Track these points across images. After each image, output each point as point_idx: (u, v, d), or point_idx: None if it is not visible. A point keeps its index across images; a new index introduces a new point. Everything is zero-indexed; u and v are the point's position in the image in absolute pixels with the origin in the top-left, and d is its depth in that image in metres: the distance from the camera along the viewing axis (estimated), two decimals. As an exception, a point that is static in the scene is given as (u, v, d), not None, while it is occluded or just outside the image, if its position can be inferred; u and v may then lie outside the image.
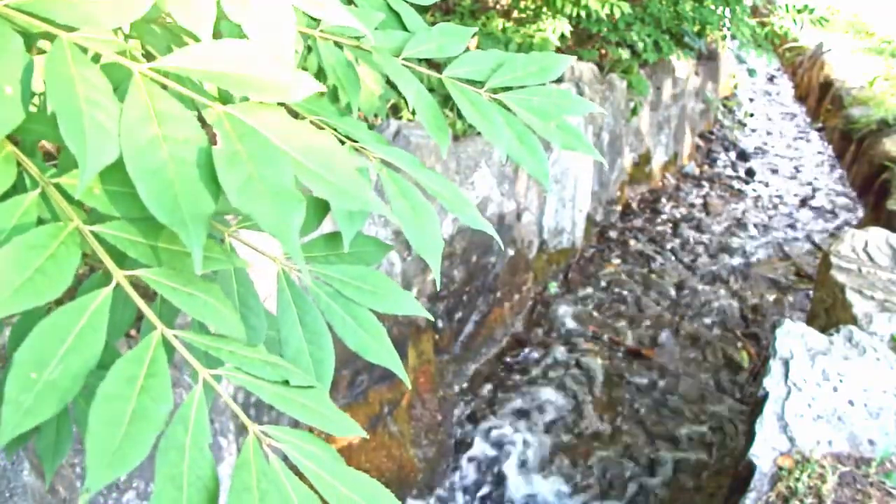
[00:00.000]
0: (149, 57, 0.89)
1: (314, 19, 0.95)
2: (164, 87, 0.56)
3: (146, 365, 0.49)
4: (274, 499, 0.46)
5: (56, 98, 0.50)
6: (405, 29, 0.99)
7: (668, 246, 4.81)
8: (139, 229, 0.57)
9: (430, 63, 0.96)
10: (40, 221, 0.55)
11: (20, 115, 0.51)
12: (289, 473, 0.49)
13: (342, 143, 0.80)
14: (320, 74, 0.96)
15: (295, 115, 0.80)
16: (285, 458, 0.50)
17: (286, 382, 0.55)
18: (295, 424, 0.56)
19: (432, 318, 0.89)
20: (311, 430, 0.59)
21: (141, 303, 0.52)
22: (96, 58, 0.64)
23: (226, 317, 0.56)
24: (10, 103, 0.50)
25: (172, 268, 0.56)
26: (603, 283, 4.35)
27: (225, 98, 0.62)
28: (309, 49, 0.95)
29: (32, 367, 0.47)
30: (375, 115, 2.96)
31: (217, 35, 0.61)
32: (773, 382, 2.29)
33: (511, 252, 3.69)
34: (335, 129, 0.80)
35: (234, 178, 0.50)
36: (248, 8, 0.58)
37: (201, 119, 0.58)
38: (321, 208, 0.72)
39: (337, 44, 0.94)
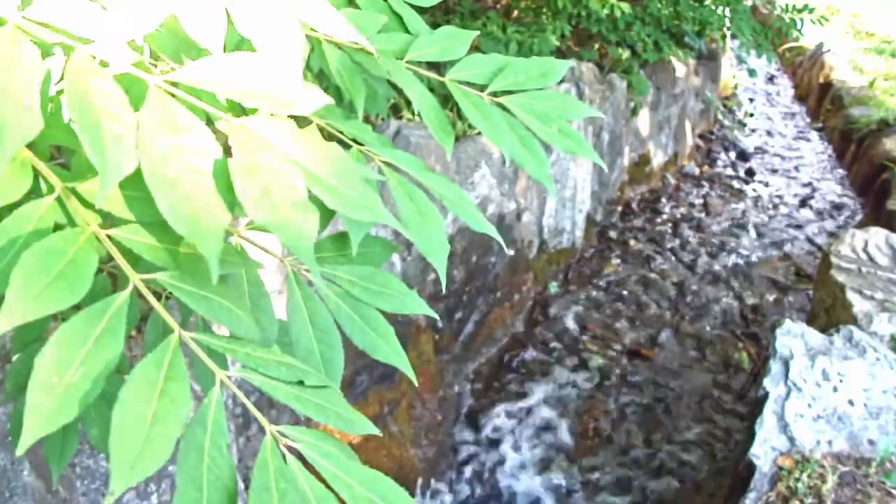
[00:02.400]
0: (156, 60, 0.90)
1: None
2: (175, 97, 0.57)
3: (165, 368, 0.50)
4: (292, 498, 0.47)
5: (75, 110, 0.51)
6: (407, 31, 1.01)
7: (668, 246, 4.82)
8: (154, 233, 0.58)
9: (430, 64, 0.98)
10: (56, 226, 0.56)
11: (39, 124, 0.53)
12: (306, 473, 0.50)
13: (349, 146, 0.81)
14: (324, 75, 0.97)
15: (303, 119, 0.81)
16: (301, 457, 0.51)
17: (301, 382, 0.56)
18: (295, 423, 0.57)
19: (438, 317, 0.90)
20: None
21: (158, 306, 0.54)
22: (104, 63, 0.65)
23: (241, 319, 0.57)
24: (30, 113, 0.51)
25: (187, 270, 0.57)
26: (603, 283, 4.35)
27: (235, 110, 0.64)
28: (312, 49, 0.96)
29: (53, 371, 0.48)
30: (377, 115, 2.97)
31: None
32: (772, 382, 2.30)
33: (511, 252, 3.70)
34: (342, 132, 0.81)
35: (251, 190, 0.51)
36: (256, 21, 0.59)
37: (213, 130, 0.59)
38: (328, 211, 0.73)
39: (340, 46, 0.95)
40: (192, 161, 0.52)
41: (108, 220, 0.59)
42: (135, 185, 0.55)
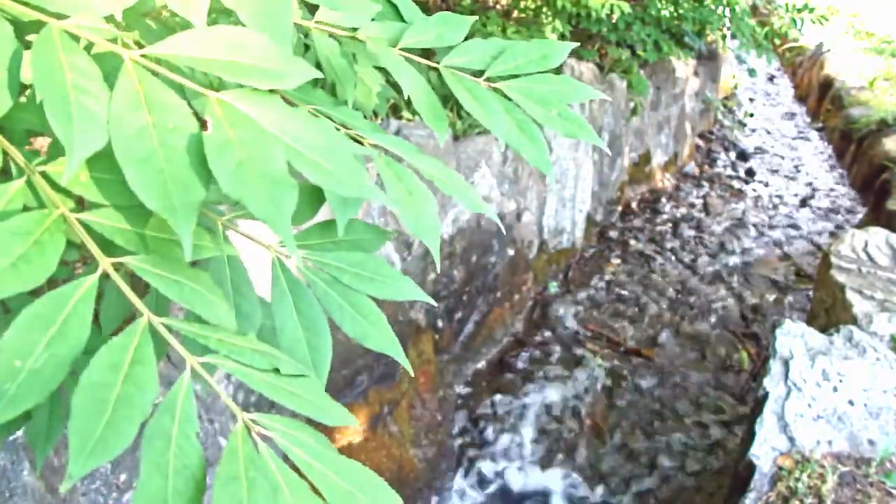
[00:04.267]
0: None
1: (310, 10, 0.94)
2: (156, 74, 0.55)
3: (131, 352, 0.48)
4: (262, 488, 0.45)
5: (43, 84, 0.49)
6: (403, 21, 0.98)
7: (668, 246, 4.80)
8: (127, 217, 0.56)
9: (428, 56, 0.95)
10: (26, 210, 0.54)
11: (7, 102, 0.51)
12: (279, 462, 0.47)
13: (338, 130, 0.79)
14: (318, 69, 0.95)
15: (291, 104, 0.79)
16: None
17: (276, 371, 0.54)
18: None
19: (434, 304, 0.87)
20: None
21: (127, 289, 0.51)
22: (89, 47, 0.63)
23: (215, 304, 0.54)
24: (-3, 90, 0.49)
25: (161, 256, 0.55)
26: (603, 283, 4.34)
27: (217, 85, 0.61)
28: (307, 44, 0.94)
29: (17, 355, 0.46)
30: (375, 115, 2.95)
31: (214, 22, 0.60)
32: (773, 382, 2.28)
33: (511, 252, 3.68)
34: (330, 118, 0.78)
35: (225, 165, 0.49)
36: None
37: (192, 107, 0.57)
38: (317, 196, 0.70)
39: (332, 35, 0.93)
40: (166, 137, 0.49)
41: (83, 204, 0.57)
42: (106, 168, 0.52)
